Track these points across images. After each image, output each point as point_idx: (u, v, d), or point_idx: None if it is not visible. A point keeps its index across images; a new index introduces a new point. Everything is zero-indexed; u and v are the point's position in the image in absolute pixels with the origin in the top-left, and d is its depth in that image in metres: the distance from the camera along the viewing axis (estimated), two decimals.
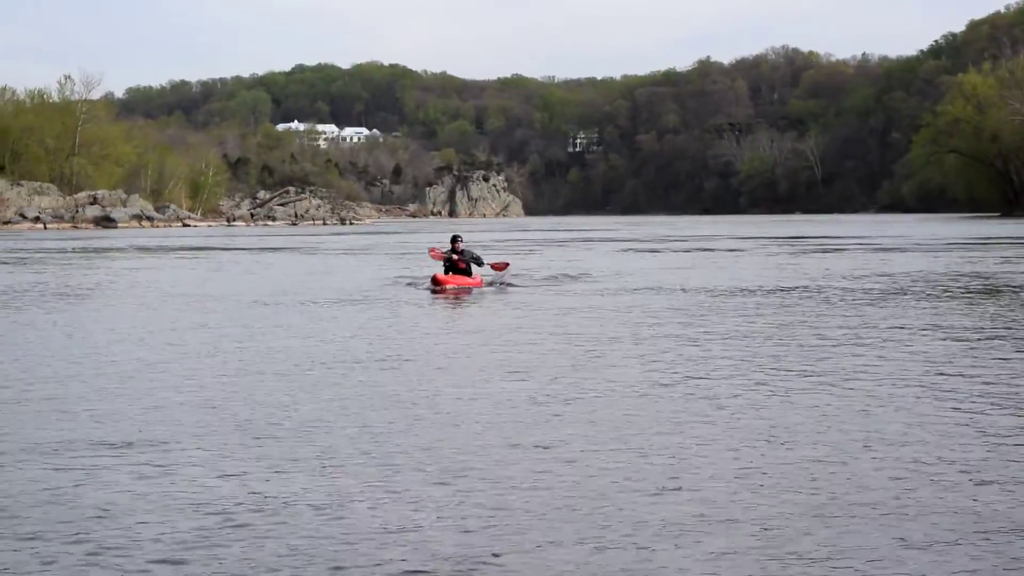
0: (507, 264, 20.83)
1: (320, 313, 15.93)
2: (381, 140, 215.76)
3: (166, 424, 7.73)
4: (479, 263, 20.10)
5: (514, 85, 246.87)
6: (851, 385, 9.12)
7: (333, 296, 18.75)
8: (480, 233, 61.47)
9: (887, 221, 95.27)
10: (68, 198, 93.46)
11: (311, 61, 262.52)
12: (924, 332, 12.80)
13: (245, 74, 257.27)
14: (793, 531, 5.20)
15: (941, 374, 9.66)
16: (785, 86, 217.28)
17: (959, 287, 19.68)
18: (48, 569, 4.77)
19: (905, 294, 18.20)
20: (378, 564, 4.80)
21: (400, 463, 6.55)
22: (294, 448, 6.96)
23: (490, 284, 20.11)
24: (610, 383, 9.33)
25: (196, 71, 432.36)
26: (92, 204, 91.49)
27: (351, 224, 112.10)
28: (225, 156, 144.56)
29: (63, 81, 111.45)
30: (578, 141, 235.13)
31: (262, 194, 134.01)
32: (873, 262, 28.52)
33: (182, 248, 44.29)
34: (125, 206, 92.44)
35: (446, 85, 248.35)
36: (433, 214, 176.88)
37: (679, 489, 5.93)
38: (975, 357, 10.69)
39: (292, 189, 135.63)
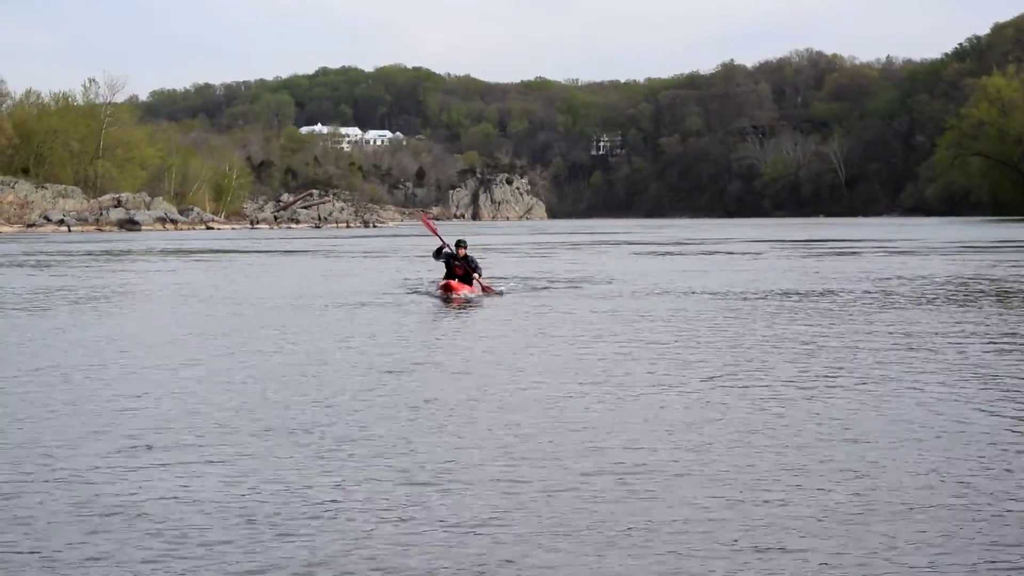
0: (501, 292, 19.92)
1: (352, 316, 15.94)
2: (404, 143, 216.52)
3: (183, 423, 7.75)
4: (477, 274, 19.67)
5: (537, 88, 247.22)
6: (876, 389, 9.08)
7: (359, 299, 18.78)
8: (500, 236, 61.34)
9: (913, 224, 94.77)
10: (92, 201, 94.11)
11: (334, 64, 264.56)
12: (951, 336, 12.72)
13: (269, 77, 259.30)
14: (838, 536, 5.17)
15: (973, 377, 9.59)
16: (809, 89, 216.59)
17: (985, 291, 19.56)
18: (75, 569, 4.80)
19: (946, 300, 18.11)
20: (392, 569, 4.81)
21: (422, 468, 6.55)
22: (314, 448, 6.97)
23: (485, 290, 19.54)
24: (625, 388, 9.31)
25: (220, 74, 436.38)
26: (116, 207, 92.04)
27: (374, 227, 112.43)
28: (248, 159, 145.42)
29: (88, 84, 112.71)
30: (601, 144, 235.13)
31: (285, 197, 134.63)
32: (905, 265, 28.37)
33: (205, 251, 44.44)
34: (149, 209, 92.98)
35: (469, 88, 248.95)
36: (456, 217, 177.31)
37: (697, 498, 5.92)
38: (1012, 363, 10.61)
39: (315, 192, 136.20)
